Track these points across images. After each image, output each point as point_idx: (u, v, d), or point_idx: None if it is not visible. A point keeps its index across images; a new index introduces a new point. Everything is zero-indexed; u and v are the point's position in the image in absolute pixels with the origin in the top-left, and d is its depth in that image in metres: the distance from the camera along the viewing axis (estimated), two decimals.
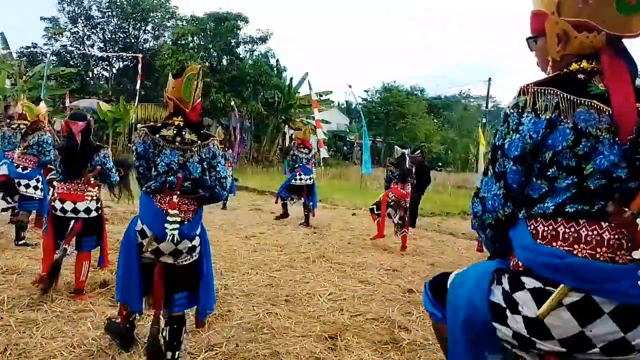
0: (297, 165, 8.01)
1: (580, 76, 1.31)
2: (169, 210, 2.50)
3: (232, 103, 22.64)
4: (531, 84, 1.32)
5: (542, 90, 1.29)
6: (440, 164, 32.96)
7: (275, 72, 26.63)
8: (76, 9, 31.47)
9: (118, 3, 31.08)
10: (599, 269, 1.20)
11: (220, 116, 26.85)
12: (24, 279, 4.15)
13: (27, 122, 5.55)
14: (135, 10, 30.77)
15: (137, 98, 17.87)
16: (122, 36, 32.89)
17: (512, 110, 1.33)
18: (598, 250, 1.22)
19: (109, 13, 31.92)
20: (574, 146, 1.25)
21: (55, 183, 3.91)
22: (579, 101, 1.26)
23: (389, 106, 32.65)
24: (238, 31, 26.53)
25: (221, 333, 3.25)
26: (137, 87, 17.10)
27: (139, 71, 16.76)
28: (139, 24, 32.27)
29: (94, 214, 3.80)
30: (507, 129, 1.33)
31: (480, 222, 1.40)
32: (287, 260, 5.52)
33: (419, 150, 9.07)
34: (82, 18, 31.85)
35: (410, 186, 6.68)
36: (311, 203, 7.97)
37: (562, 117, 1.26)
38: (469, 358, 1.38)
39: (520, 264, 1.32)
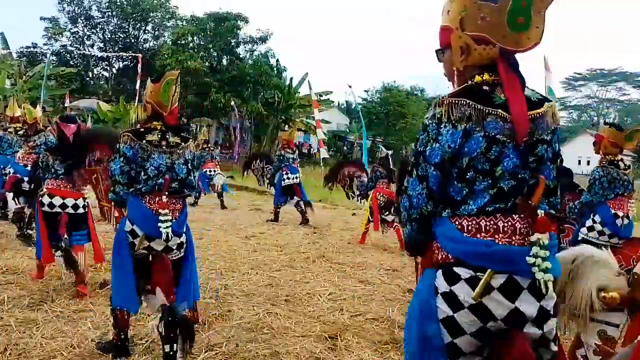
0: (283, 165, 8.13)
1: (485, 87, 1.47)
2: (160, 210, 2.65)
3: (232, 103, 22.66)
4: (446, 96, 1.48)
5: (456, 102, 1.44)
6: None
7: (275, 72, 26.64)
8: (76, 9, 31.49)
9: (118, 3, 31.08)
10: (515, 253, 1.41)
11: (220, 116, 26.88)
12: (24, 279, 4.15)
13: (19, 125, 5.65)
14: (135, 10, 30.77)
15: (137, 98, 17.87)
16: (122, 36, 32.91)
17: (430, 121, 1.48)
18: (513, 238, 1.43)
19: (109, 13, 31.93)
20: (486, 152, 1.42)
21: (47, 180, 3.97)
22: (487, 111, 1.43)
23: (389, 106, 32.64)
24: (238, 31, 26.54)
25: (221, 333, 3.25)
26: (137, 87, 17.11)
27: (139, 71, 16.78)
28: (139, 24, 32.28)
29: (81, 210, 3.97)
30: (428, 138, 1.48)
31: (408, 216, 1.55)
32: (287, 260, 5.52)
33: None
34: (82, 18, 31.87)
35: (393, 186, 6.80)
36: (306, 200, 8.10)
37: (475, 127, 1.42)
38: None
39: (451, 257, 1.47)
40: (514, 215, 1.44)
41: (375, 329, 3.52)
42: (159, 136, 2.75)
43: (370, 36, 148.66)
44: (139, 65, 16.88)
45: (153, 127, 2.77)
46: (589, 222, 4.22)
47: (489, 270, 1.39)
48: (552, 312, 1.45)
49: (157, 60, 26.16)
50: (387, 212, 6.63)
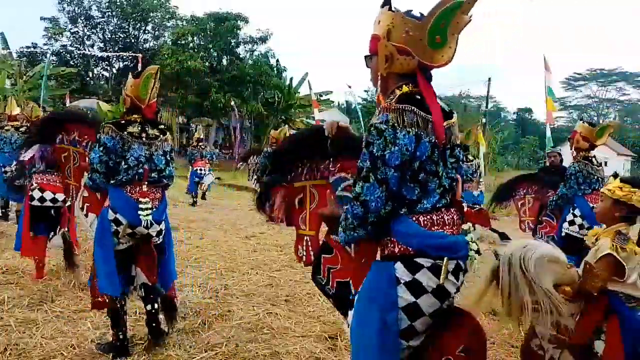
0: None
1: (417, 97, 1.63)
2: (141, 199, 2.82)
3: (232, 103, 22.67)
4: (393, 102, 1.61)
5: (404, 108, 1.58)
6: None
7: (275, 72, 26.65)
8: (76, 9, 31.47)
9: (118, 3, 31.07)
10: (460, 242, 1.64)
11: (220, 116, 26.87)
12: (24, 279, 4.15)
13: (18, 123, 5.71)
14: (135, 10, 30.76)
15: None
16: (122, 36, 32.90)
17: (385, 126, 1.57)
18: (454, 228, 1.66)
19: (109, 13, 31.92)
20: (431, 155, 1.60)
21: (34, 175, 4.14)
22: (428, 117, 1.60)
23: None
24: (238, 31, 26.55)
25: (221, 333, 3.25)
26: None
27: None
28: (139, 24, 32.27)
29: (68, 203, 4.15)
30: (385, 142, 1.57)
31: (362, 221, 1.60)
32: (287, 260, 5.51)
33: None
34: (82, 18, 31.85)
35: None
36: None
37: (422, 132, 1.58)
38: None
39: (411, 249, 1.61)
40: (451, 209, 1.68)
41: None
42: (139, 128, 2.89)
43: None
44: (139, 65, 16.86)
45: (133, 119, 2.91)
46: (569, 217, 4.38)
47: (446, 258, 1.59)
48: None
49: (157, 60, 26.13)
50: None
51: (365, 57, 1.80)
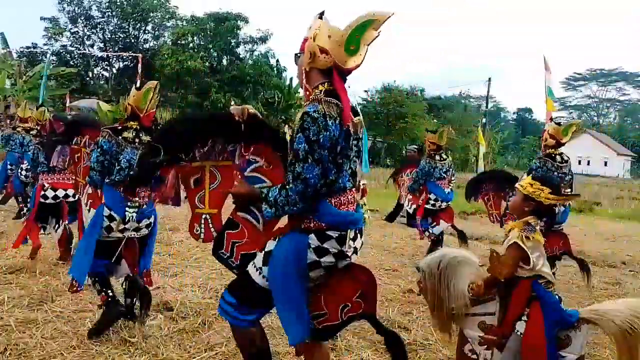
0: None
1: (336, 93, 1.97)
2: (130, 198, 3.13)
3: (232, 103, 22.66)
4: (321, 96, 1.95)
5: (330, 101, 1.93)
6: None
7: (275, 72, 26.66)
8: (76, 9, 31.50)
9: (118, 3, 31.10)
10: (359, 216, 2.07)
11: None
12: (24, 279, 4.15)
13: (29, 126, 5.78)
14: (135, 10, 30.79)
15: None
16: (122, 36, 32.93)
17: (317, 115, 1.88)
18: (355, 206, 2.07)
19: (109, 13, 31.95)
20: (348, 141, 1.98)
21: (42, 175, 4.52)
22: (342, 107, 1.95)
23: (389, 106, 32.62)
24: (238, 31, 26.57)
25: (221, 333, 3.25)
26: (137, 86, 17.06)
27: (139, 71, 16.78)
28: (139, 24, 32.30)
29: (75, 197, 4.55)
30: (319, 128, 1.87)
31: (303, 196, 1.90)
32: None
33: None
34: (82, 18, 31.88)
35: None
36: None
37: (342, 122, 1.93)
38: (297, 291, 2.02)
39: (324, 225, 1.98)
40: (354, 190, 2.07)
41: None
42: (134, 134, 3.20)
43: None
44: (139, 65, 16.88)
45: (129, 126, 3.23)
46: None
47: (349, 230, 2.00)
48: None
49: (157, 60, 26.18)
50: None
51: (295, 55, 2.13)
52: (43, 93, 13.76)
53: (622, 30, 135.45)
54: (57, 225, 4.64)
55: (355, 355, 3.07)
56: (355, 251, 2.08)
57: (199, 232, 2.30)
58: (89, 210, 3.46)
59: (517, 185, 2.40)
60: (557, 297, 2.23)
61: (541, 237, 2.23)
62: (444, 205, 5.87)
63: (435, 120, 35.23)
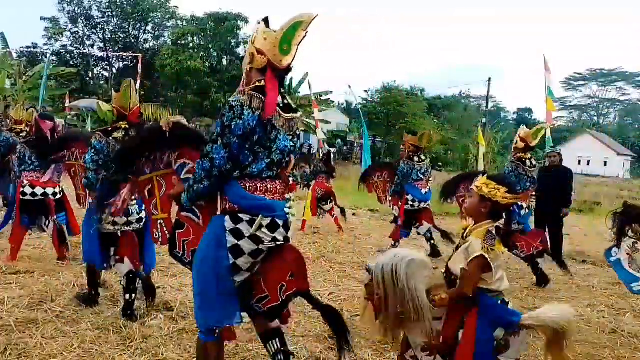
0: None
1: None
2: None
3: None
4: (246, 89, 2.15)
5: (253, 95, 2.12)
6: (440, 164, 32.92)
7: None
8: (76, 9, 31.48)
9: (118, 3, 31.08)
10: (276, 205, 2.22)
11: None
12: (24, 279, 4.15)
13: (21, 127, 5.81)
14: (135, 10, 30.77)
15: (137, 98, 17.79)
16: (122, 36, 32.90)
17: (235, 104, 2.11)
18: (276, 195, 2.23)
19: (109, 13, 31.92)
20: (269, 134, 2.16)
21: (24, 173, 4.68)
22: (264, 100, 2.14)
23: (389, 106, 32.58)
24: (238, 31, 26.52)
25: None
26: (137, 87, 17.03)
27: (139, 71, 16.77)
28: (139, 24, 32.28)
29: (59, 196, 4.81)
30: (233, 116, 2.10)
31: (208, 174, 2.12)
32: None
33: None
34: (82, 18, 31.85)
35: (332, 181, 7.97)
36: None
37: (262, 114, 2.11)
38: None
39: (237, 207, 2.17)
40: (277, 181, 2.24)
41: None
42: (123, 133, 3.41)
43: (371, 36, 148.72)
44: (139, 65, 16.87)
45: (119, 126, 3.45)
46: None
47: (260, 216, 2.16)
48: (289, 238, 2.30)
49: (157, 60, 26.15)
50: (325, 203, 7.79)
51: (241, 57, 2.53)
52: (43, 93, 13.75)
53: (622, 30, 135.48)
54: (47, 222, 4.80)
55: (355, 356, 3.07)
56: (274, 240, 2.21)
57: (157, 236, 2.68)
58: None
59: (472, 186, 2.37)
60: (500, 301, 2.23)
61: (501, 246, 2.22)
62: (422, 205, 6.05)
63: (435, 120, 35.26)
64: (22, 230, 4.75)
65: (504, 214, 2.30)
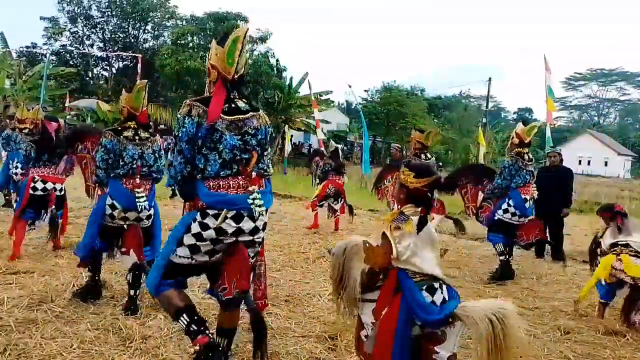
0: None
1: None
2: (136, 190, 3.50)
3: None
4: (191, 100, 2.47)
5: (194, 104, 2.43)
6: (440, 164, 32.92)
7: (275, 72, 26.61)
8: (76, 8, 31.48)
9: (118, 3, 31.08)
10: (240, 199, 2.43)
11: None
12: (24, 279, 4.15)
13: (25, 126, 5.83)
14: (135, 10, 30.77)
15: None
16: (122, 36, 32.90)
17: (179, 116, 2.44)
18: (238, 190, 2.45)
19: (109, 13, 31.92)
20: (211, 136, 2.42)
21: (34, 169, 4.83)
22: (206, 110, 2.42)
23: (389, 106, 32.59)
24: None
25: None
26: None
27: (139, 71, 16.77)
28: (138, 24, 32.28)
29: (62, 192, 5.07)
30: (180, 125, 2.43)
31: (174, 179, 2.50)
32: (287, 260, 5.51)
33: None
34: (82, 18, 31.86)
35: (344, 177, 7.78)
36: None
37: (204, 121, 2.40)
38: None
39: (204, 204, 2.44)
40: (239, 177, 2.46)
41: None
42: (132, 133, 3.55)
43: (370, 36, 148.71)
44: (139, 65, 16.87)
45: (128, 126, 3.58)
46: (504, 205, 5.18)
47: (224, 210, 2.40)
48: (261, 228, 2.53)
49: (157, 60, 26.14)
50: (336, 202, 7.67)
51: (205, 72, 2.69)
52: (43, 93, 13.74)
53: (622, 30, 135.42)
54: (44, 215, 4.96)
55: (355, 356, 3.06)
56: (240, 231, 2.44)
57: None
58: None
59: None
60: (437, 287, 2.24)
61: (413, 227, 2.26)
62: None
63: (435, 120, 35.25)
64: (23, 224, 4.83)
65: (423, 200, 2.37)
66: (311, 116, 21.98)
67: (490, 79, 29.87)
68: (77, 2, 31.18)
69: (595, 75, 62.80)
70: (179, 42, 26.28)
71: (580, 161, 42.10)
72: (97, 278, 3.76)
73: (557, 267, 5.91)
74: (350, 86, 25.18)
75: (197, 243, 2.44)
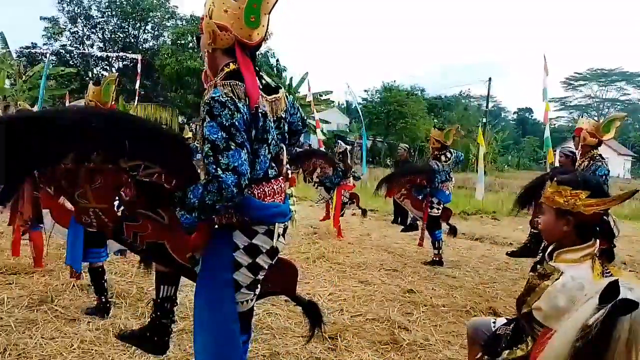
0: None
1: (241, 73, 1.76)
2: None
3: None
4: (221, 80, 1.74)
5: (235, 84, 1.72)
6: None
7: (275, 71, 26.62)
8: (76, 8, 31.44)
9: (118, 3, 31.05)
10: (287, 207, 1.93)
11: None
12: (24, 279, 4.15)
13: None
14: (135, 10, 30.74)
15: (136, 98, 17.84)
16: (122, 36, 32.87)
17: (225, 98, 1.67)
18: (283, 196, 1.92)
19: (109, 13, 31.88)
20: (263, 123, 1.76)
21: None
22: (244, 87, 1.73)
23: (389, 106, 32.59)
24: None
25: None
26: (137, 87, 17.09)
27: (139, 71, 16.76)
28: (138, 24, 32.24)
29: None
30: (231, 112, 1.65)
31: (239, 187, 1.64)
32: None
33: (402, 148, 10.17)
34: (82, 18, 31.81)
35: (352, 179, 7.63)
36: None
37: (250, 104, 1.71)
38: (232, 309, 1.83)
39: (248, 219, 1.79)
40: (279, 179, 1.90)
41: (375, 329, 3.52)
42: None
43: (371, 36, 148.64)
44: (139, 65, 16.86)
45: None
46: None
47: (277, 224, 1.85)
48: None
49: (157, 60, 26.15)
50: (350, 203, 7.64)
51: (196, 37, 1.95)
52: (43, 93, 13.74)
53: (622, 30, 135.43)
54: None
55: (355, 356, 3.07)
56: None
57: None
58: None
59: (541, 199, 1.93)
60: None
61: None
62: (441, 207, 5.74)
63: (435, 120, 35.23)
64: (38, 233, 4.38)
65: (597, 229, 1.66)
66: (311, 116, 21.98)
67: (490, 79, 29.87)
68: (77, 2, 31.14)
69: (595, 75, 62.76)
70: (179, 42, 26.29)
71: None
72: (106, 300, 3.50)
73: None
74: (348, 85, 25.14)
75: (256, 277, 1.87)
